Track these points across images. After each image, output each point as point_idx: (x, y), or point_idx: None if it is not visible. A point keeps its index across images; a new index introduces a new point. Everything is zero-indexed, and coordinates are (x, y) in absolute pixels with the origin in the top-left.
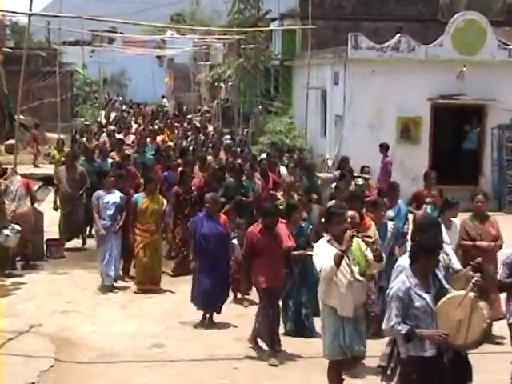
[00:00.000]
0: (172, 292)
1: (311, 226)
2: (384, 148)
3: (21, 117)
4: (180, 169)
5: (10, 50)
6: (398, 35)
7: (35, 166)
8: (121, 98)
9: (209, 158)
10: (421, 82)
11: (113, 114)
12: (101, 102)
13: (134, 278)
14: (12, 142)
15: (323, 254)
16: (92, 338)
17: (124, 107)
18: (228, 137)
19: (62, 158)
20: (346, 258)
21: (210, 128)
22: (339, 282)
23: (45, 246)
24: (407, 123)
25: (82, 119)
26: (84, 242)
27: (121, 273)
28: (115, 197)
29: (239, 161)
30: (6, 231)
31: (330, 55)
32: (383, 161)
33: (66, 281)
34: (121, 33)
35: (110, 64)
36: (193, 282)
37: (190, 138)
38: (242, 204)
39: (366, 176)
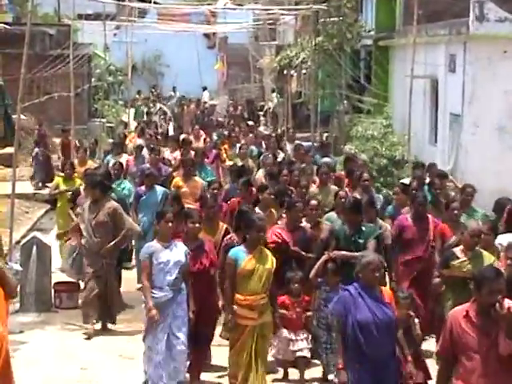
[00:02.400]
0: None
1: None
2: None
3: (22, 116)
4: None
5: (7, 27)
6: None
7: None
8: (178, 94)
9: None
10: None
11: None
12: (128, 96)
13: None
14: (9, 150)
15: None
16: None
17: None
18: (327, 160)
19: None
20: None
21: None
22: None
23: (53, 291)
24: None
25: (104, 120)
26: (104, 327)
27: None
28: (178, 252)
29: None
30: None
31: (443, 31)
32: None
33: (81, 340)
34: (155, 2)
35: (140, 45)
36: None
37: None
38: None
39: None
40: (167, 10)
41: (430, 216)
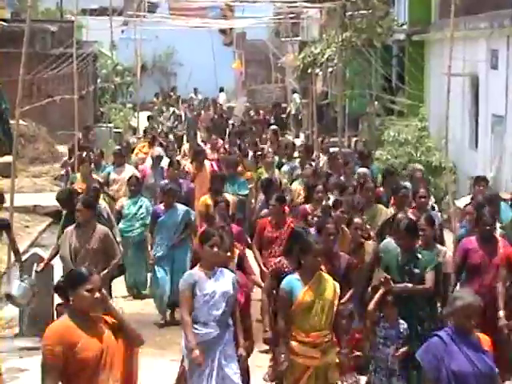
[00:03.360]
0: None
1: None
2: None
3: (21, 122)
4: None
5: (4, 24)
6: None
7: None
8: (200, 96)
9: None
10: None
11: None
12: (137, 98)
13: None
14: (7, 159)
15: None
16: None
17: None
18: (365, 171)
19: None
20: None
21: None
22: None
23: (55, 313)
24: None
25: (111, 125)
26: None
27: None
28: (225, 282)
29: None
30: (22, 283)
31: (484, 24)
32: None
33: None
34: None
35: (150, 43)
36: None
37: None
38: None
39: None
40: (180, 3)
41: (500, 238)
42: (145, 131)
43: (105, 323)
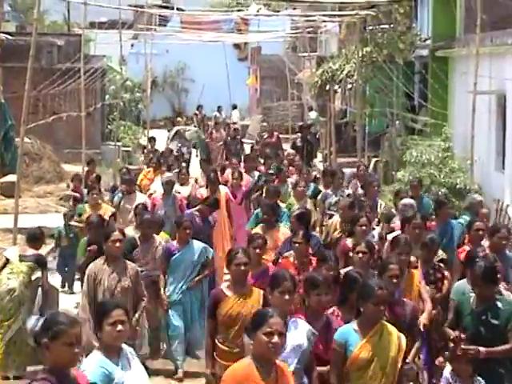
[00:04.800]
0: None
1: None
2: None
3: (25, 139)
4: None
5: (9, 38)
6: None
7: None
8: (224, 115)
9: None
10: None
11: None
12: (147, 116)
13: None
14: (11, 178)
15: None
16: None
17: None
18: (408, 202)
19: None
20: None
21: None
22: None
23: None
24: None
25: (119, 143)
26: None
27: None
28: (298, 334)
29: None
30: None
31: (511, 39)
32: None
33: None
34: (178, 9)
35: (161, 58)
36: None
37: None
38: None
39: None
40: (192, 17)
41: None
42: (145, 154)
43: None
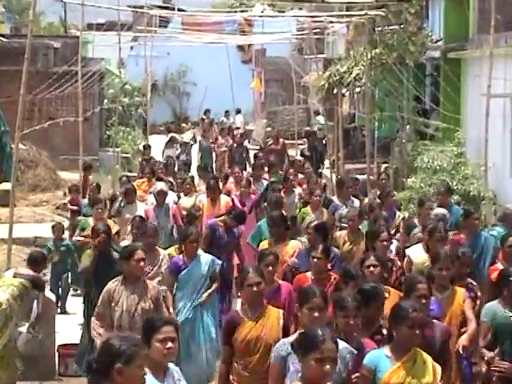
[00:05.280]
0: None
1: None
2: None
3: (20, 146)
4: None
5: (3, 40)
6: None
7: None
8: (232, 120)
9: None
10: None
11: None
12: (148, 121)
13: None
14: (5, 186)
15: None
16: None
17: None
18: (440, 212)
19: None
20: None
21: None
22: None
23: (57, 355)
24: None
25: (118, 149)
26: None
27: None
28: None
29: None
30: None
31: None
32: None
33: None
34: (179, 9)
35: (162, 60)
36: None
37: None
38: None
39: None
40: (194, 18)
41: None
42: (139, 162)
43: None
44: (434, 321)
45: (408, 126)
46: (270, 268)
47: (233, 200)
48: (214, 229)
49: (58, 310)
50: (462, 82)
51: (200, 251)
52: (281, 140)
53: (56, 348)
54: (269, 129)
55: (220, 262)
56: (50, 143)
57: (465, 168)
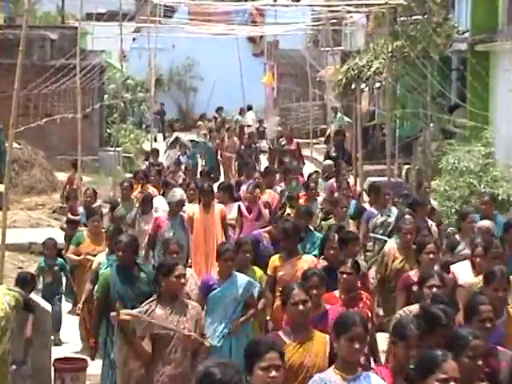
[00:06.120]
0: None
1: None
2: None
3: (14, 145)
4: None
5: None
6: None
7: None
8: (246, 117)
9: None
10: None
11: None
12: (149, 118)
13: None
14: None
15: None
16: None
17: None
18: (485, 225)
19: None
20: None
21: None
22: None
23: (53, 370)
24: None
25: (119, 149)
26: None
27: None
28: None
29: None
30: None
31: None
32: None
33: None
34: None
35: (167, 53)
36: None
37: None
38: None
39: None
40: (201, 7)
41: None
42: (146, 167)
43: None
44: (499, 348)
45: (432, 125)
46: (315, 291)
47: (239, 207)
48: (257, 240)
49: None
50: (491, 77)
51: (236, 272)
52: (295, 140)
53: (52, 362)
54: (279, 128)
55: (259, 285)
56: (46, 142)
57: (493, 169)
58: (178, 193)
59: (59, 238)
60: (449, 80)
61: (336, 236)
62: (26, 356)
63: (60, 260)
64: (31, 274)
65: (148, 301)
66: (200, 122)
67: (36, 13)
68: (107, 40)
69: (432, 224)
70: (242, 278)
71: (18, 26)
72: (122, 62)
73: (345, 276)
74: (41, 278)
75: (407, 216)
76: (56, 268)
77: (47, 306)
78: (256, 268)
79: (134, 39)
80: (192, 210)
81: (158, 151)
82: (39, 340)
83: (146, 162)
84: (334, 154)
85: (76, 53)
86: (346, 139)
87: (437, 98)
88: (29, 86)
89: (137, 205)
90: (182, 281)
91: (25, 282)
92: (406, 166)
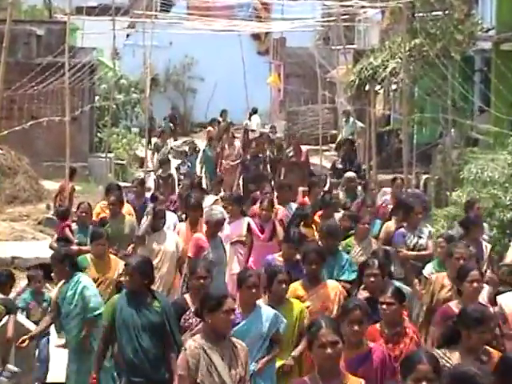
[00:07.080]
0: None
1: None
2: None
3: None
4: None
5: None
6: None
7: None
8: (250, 122)
9: None
10: None
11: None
12: (146, 121)
13: None
14: None
15: None
16: None
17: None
18: None
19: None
20: None
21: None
22: None
23: None
24: None
25: (111, 155)
26: None
27: None
28: None
29: None
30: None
31: None
32: None
33: None
34: None
35: (163, 51)
36: None
37: None
38: None
39: None
40: (201, 1)
41: None
42: (155, 180)
43: None
44: None
45: (453, 130)
46: (357, 327)
47: (249, 225)
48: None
49: None
50: None
51: (261, 302)
52: (304, 150)
53: None
54: (280, 135)
55: (285, 320)
56: (31, 147)
57: None
58: (218, 211)
59: (45, 252)
60: (471, 82)
61: (376, 262)
62: (8, 356)
63: (47, 295)
64: (8, 272)
65: (194, 338)
66: (210, 128)
67: (21, 6)
68: (99, 36)
69: (487, 246)
70: (267, 311)
71: (1, 21)
72: (114, 60)
73: (384, 307)
74: (24, 313)
75: (425, 236)
76: (45, 304)
77: (32, 327)
78: (295, 301)
79: (127, 35)
80: (178, 227)
81: (169, 161)
82: (22, 363)
83: (141, 170)
84: (340, 166)
85: (64, 50)
86: (356, 148)
87: (458, 101)
88: (13, 85)
89: (128, 223)
90: (232, 317)
91: (1, 282)
92: (425, 176)
